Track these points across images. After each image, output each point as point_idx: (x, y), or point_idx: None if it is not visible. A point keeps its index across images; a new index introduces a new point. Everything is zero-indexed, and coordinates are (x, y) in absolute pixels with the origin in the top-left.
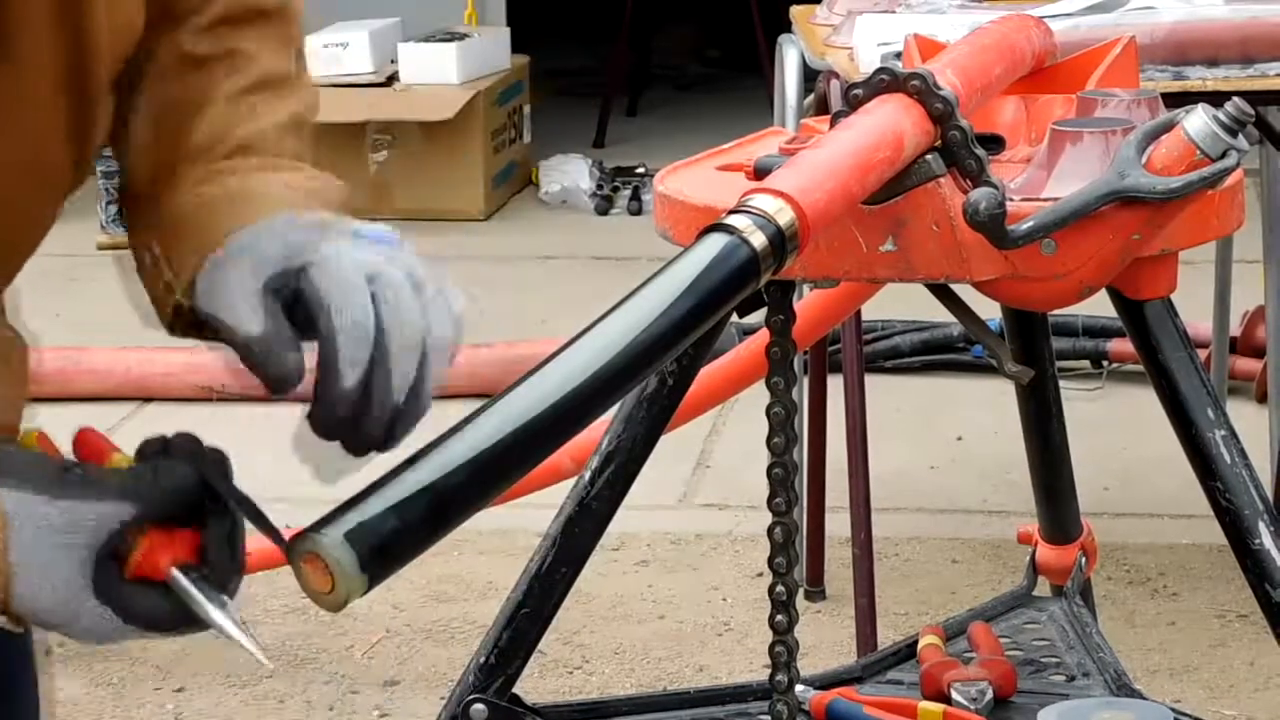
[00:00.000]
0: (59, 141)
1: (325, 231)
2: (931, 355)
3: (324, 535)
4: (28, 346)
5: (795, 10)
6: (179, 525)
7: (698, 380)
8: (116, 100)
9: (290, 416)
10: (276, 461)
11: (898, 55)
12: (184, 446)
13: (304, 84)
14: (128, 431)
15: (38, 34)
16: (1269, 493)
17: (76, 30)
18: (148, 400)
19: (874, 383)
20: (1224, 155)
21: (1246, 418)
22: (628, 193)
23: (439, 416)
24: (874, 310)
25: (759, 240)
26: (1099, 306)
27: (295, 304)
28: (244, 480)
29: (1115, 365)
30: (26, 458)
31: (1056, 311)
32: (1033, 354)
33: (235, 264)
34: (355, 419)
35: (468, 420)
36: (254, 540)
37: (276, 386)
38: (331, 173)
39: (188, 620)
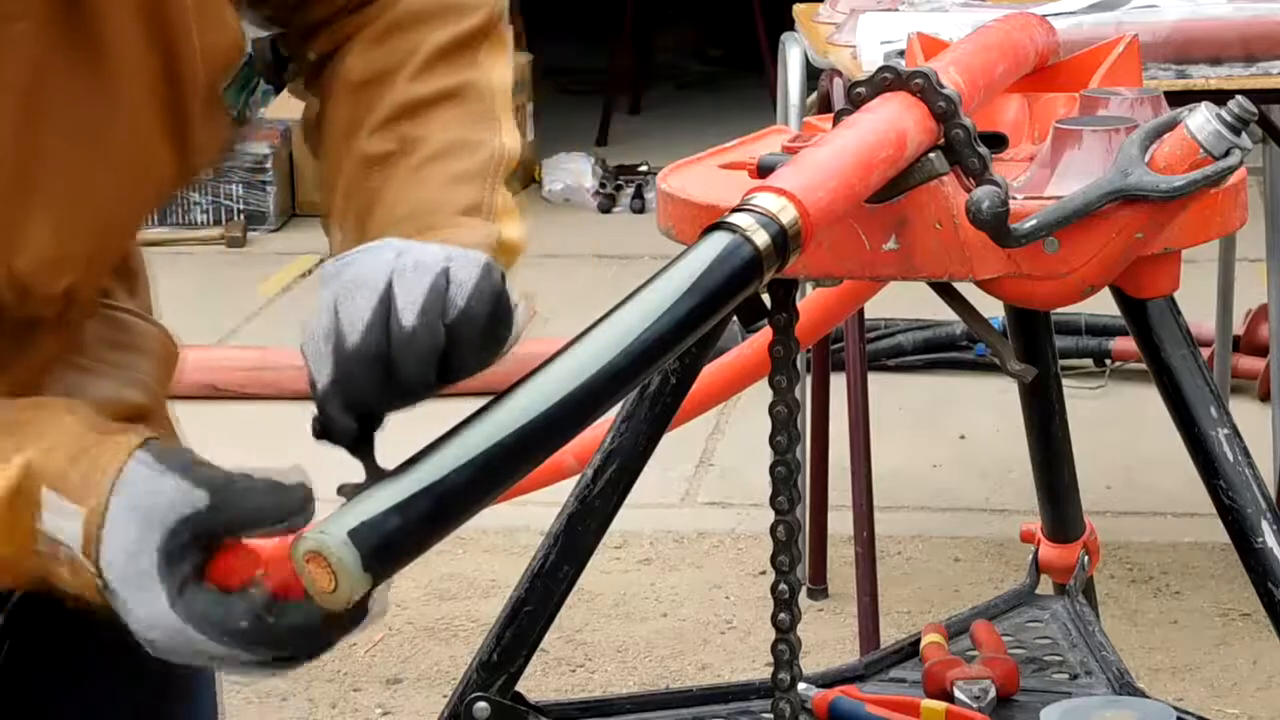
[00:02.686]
0: (158, 145)
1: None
2: (934, 354)
3: (327, 534)
4: (174, 343)
5: (798, 8)
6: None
7: (700, 378)
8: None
9: (291, 416)
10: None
11: (900, 53)
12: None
13: (496, 131)
14: None
15: (130, 52)
16: (1271, 491)
17: (167, 48)
18: None
19: (877, 381)
20: (1227, 154)
21: (1249, 416)
22: (630, 191)
23: (442, 414)
24: (877, 309)
25: (762, 239)
26: (1102, 305)
27: None
28: None
29: (1118, 364)
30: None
31: (1059, 310)
32: (1035, 352)
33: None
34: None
35: (471, 419)
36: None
37: (321, 431)
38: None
39: (255, 635)
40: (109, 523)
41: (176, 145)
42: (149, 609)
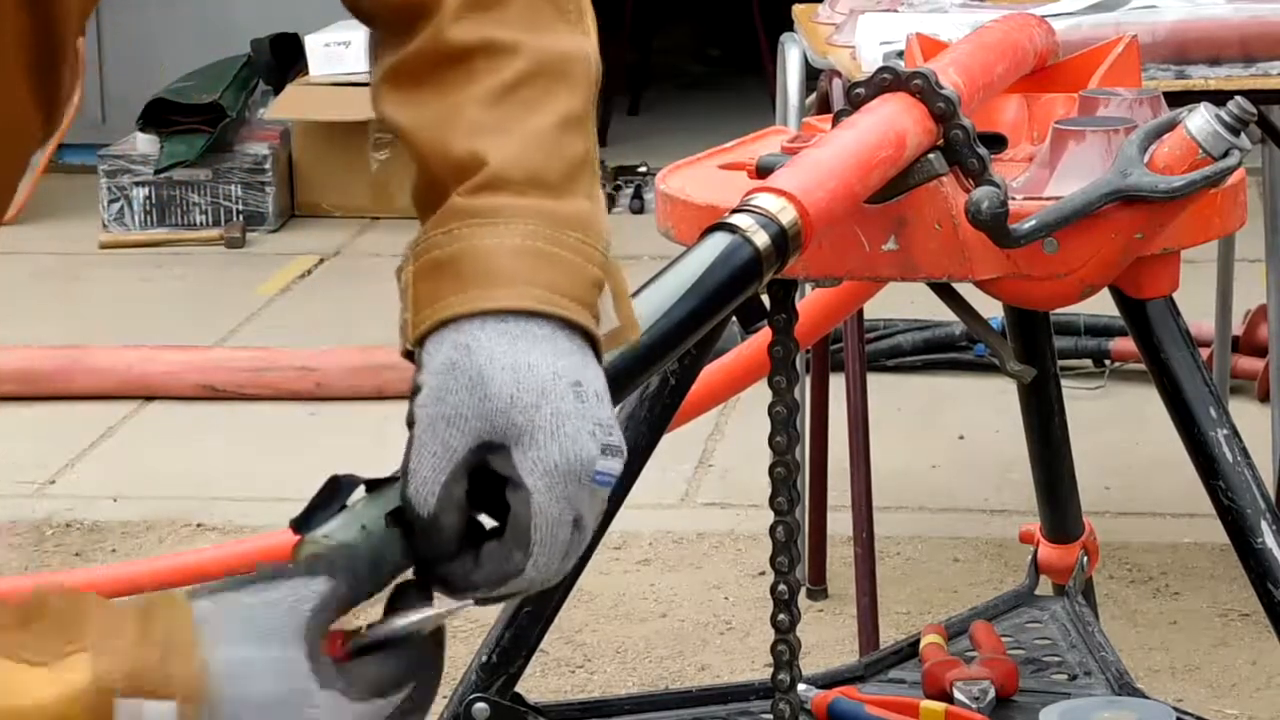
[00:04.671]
0: (27, 106)
1: (543, 387)
2: (933, 354)
3: (329, 539)
4: None
5: (797, 9)
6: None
7: (700, 379)
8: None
9: (291, 416)
10: (277, 461)
11: (900, 54)
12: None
13: (577, 59)
14: (129, 430)
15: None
16: (1271, 492)
17: (39, 4)
18: (149, 399)
19: (876, 381)
20: (1226, 154)
21: (1248, 417)
22: (630, 191)
23: None
24: (876, 309)
25: (762, 239)
26: (1101, 305)
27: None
28: (244, 480)
29: (1117, 364)
30: (214, 583)
31: (1058, 310)
32: (1035, 353)
33: (448, 397)
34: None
35: None
36: (258, 538)
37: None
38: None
39: (417, 667)
40: (215, 683)
41: (43, 106)
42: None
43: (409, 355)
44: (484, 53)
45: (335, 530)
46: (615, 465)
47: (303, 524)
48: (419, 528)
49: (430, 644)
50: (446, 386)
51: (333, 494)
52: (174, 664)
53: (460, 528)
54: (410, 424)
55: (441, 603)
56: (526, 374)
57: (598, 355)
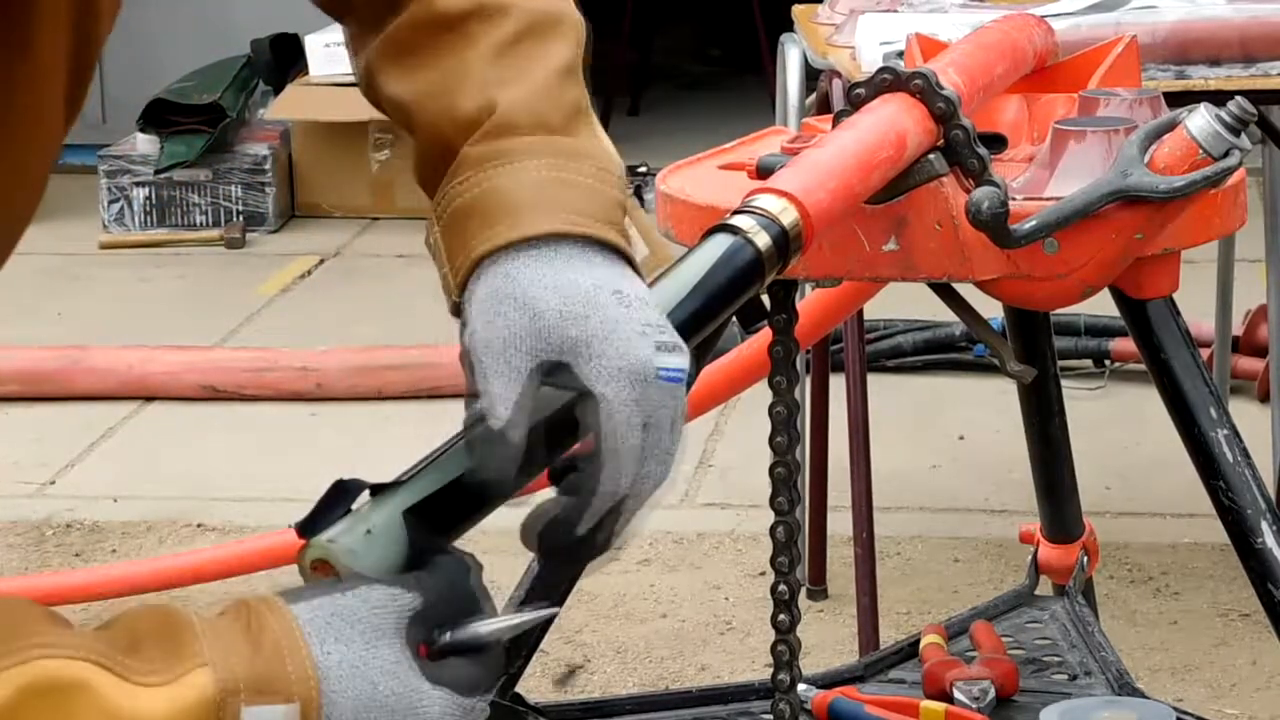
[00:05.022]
0: (59, 106)
1: (587, 298)
2: (933, 354)
3: (334, 543)
4: None
5: (797, 9)
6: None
7: (700, 379)
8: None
9: (291, 417)
10: (278, 461)
11: (900, 54)
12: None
13: (565, 15)
14: (129, 431)
15: (57, 37)
16: (1271, 492)
17: (86, 20)
18: (149, 399)
19: (876, 382)
20: (1226, 154)
21: (1249, 417)
22: (630, 191)
23: (449, 416)
24: (876, 309)
25: (763, 241)
26: (1101, 305)
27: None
28: (245, 480)
29: (1117, 364)
30: (306, 587)
31: (1058, 310)
32: (1035, 353)
33: (498, 319)
34: (565, 547)
35: None
36: (258, 538)
37: (478, 472)
38: (341, 171)
39: (499, 671)
40: (330, 683)
41: (70, 116)
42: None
43: (456, 310)
44: (477, 16)
45: (340, 534)
46: (677, 360)
47: (308, 528)
48: (498, 446)
49: (505, 650)
50: (496, 311)
51: (338, 498)
52: (290, 667)
53: (538, 444)
54: (463, 359)
55: (524, 611)
56: (570, 289)
57: (634, 270)
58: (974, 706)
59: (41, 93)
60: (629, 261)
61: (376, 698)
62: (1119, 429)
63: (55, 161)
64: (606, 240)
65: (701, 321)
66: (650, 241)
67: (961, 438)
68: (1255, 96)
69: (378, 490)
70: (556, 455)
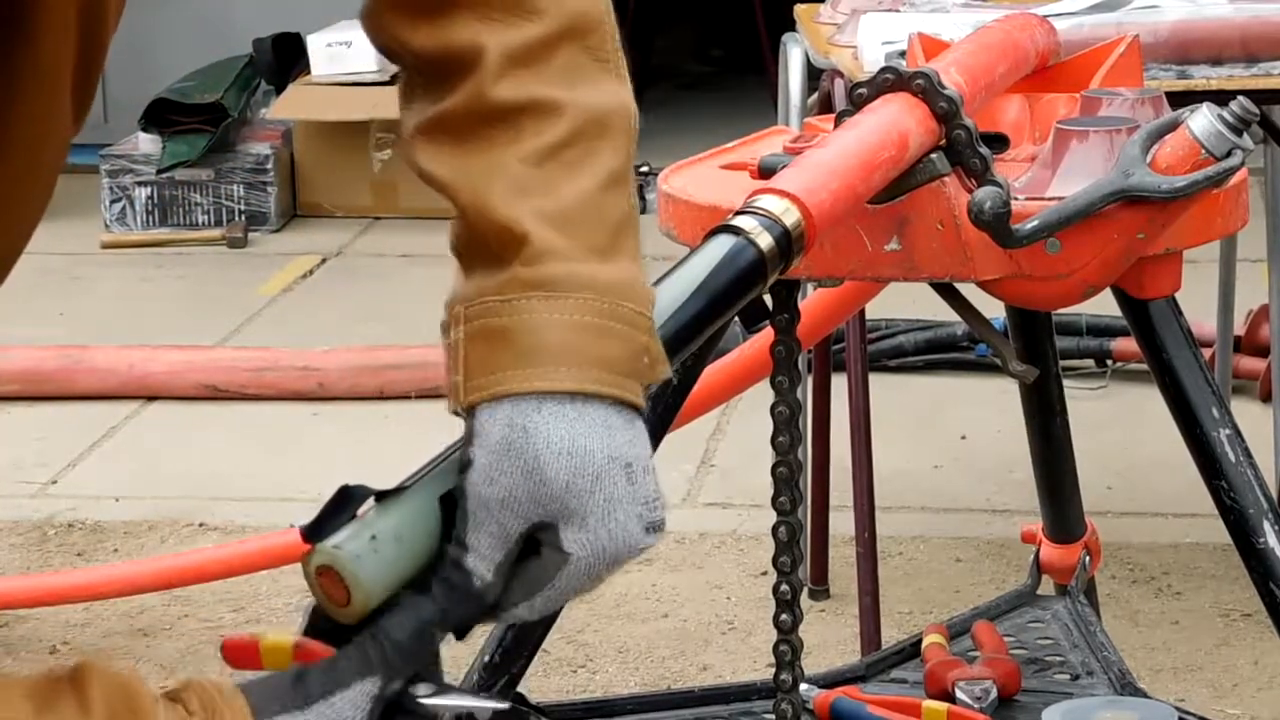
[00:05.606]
0: (67, 108)
1: (598, 472)
2: (935, 354)
3: (340, 549)
4: None
5: (799, 9)
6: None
7: (702, 379)
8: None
9: (292, 417)
10: (279, 461)
11: (902, 54)
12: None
13: (617, 114)
14: (131, 430)
15: (59, 39)
16: (1273, 492)
17: (91, 22)
18: (151, 399)
19: (878, 382)
20: (1229, 154)
21: (1250, 417)
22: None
23: (445, 417)
24: (878, 309)
25: (766, 241)
26: (1103, 305)
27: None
28: (246, 480)
29: (1119, 364)
30: (263, 683)
31: (1060, 310)
32: (1037, 353)
33: (501, 477)
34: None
35: None
36: (259, 538)
37: (447, 615)
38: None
39: None
40: None
41: (78, 117)
42: None
43: (454, 414)
44: (528, 112)
45: (345, 540)
46: (655, 539)
47: (313, 533)
48: (469, 592)
49: None
50: (501, 468)
51: (343, 503)
52: None
53: (502, 591)
54: (459, 495)
55: (476, 697)
56: (583, 459)
57: (645, 420)
58: (976, 706)
59: (49, 94)
60: (644, 416)
61: None
62: (1121, 429)
63: (64, 162)
64: (630, 402)
65: (704, 323)
66: (651, 351)
67: (963, 437)
68: (1257, 96)
69: (382, 496)
70: (513, 591)
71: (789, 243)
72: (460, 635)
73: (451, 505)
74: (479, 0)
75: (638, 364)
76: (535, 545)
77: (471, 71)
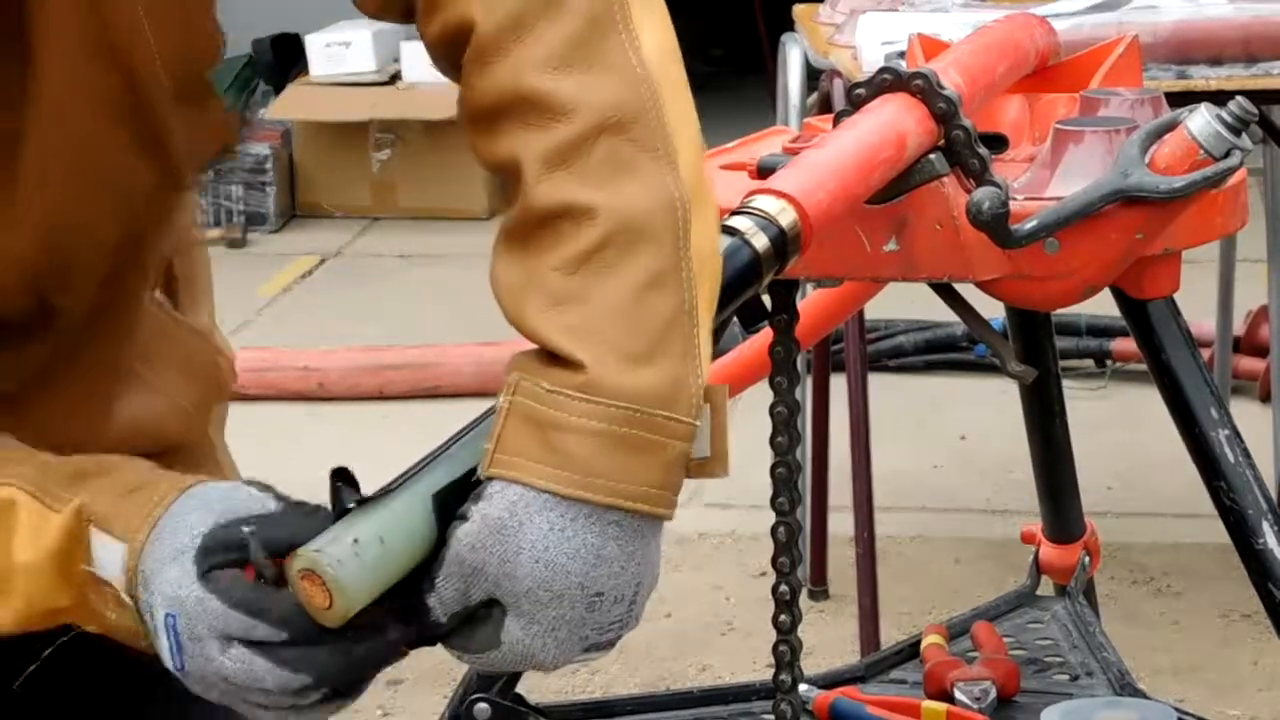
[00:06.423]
0: (126, 154)
1: (562, 594)
2: (934, 354)
3: (322, 552)
4: (225, 368)
5: (798, 9)
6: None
7: None
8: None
9: (292, 417)
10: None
11: (901, 54)
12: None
13: (659, 210)
14: None
15: (66, 65)
16: (1272, 492)
17: (116, 58)
18: None
19: (877, 382)
20: (1227, 154)
21: (1250, 417)
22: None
23: (450, 416)
24: (877, 309)
25: (761, 242)
26: (1102, 305)
27: None
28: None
29: (1118, 364)
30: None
31: (1060, 310)
32: (1036, 353)
33: (479, 550)
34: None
35: (466, 431)
36: None
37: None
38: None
39: (295, 630)
40: (159, 527)
41: (151, 152)
42: (175, 587)
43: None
44: (564, 217)
45: (326, 544)
46: (596, 656)
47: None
48: (425, 622)
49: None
50: (485, 544)
51: (336, 498)
52: (139, 525)
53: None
54: (445, 540)
55: None
56: (553, 575)
57: (657, 526)
58: (975, 707)
59: (84, 128)
60: (662, 520)
61: (166, 578)
62: (1120, 429)
63: (143, 202)
64: (646, 514)
65: None
66: (716, 444)
67: (963, 438)
68: (1257, 96)
69: (365, 501)
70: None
71: (785, 243)
72: (406, 652)
73: (446, 502)
74: (519, 109)
75: (665, 474)
76: (490, 612)
77: (519, 178)
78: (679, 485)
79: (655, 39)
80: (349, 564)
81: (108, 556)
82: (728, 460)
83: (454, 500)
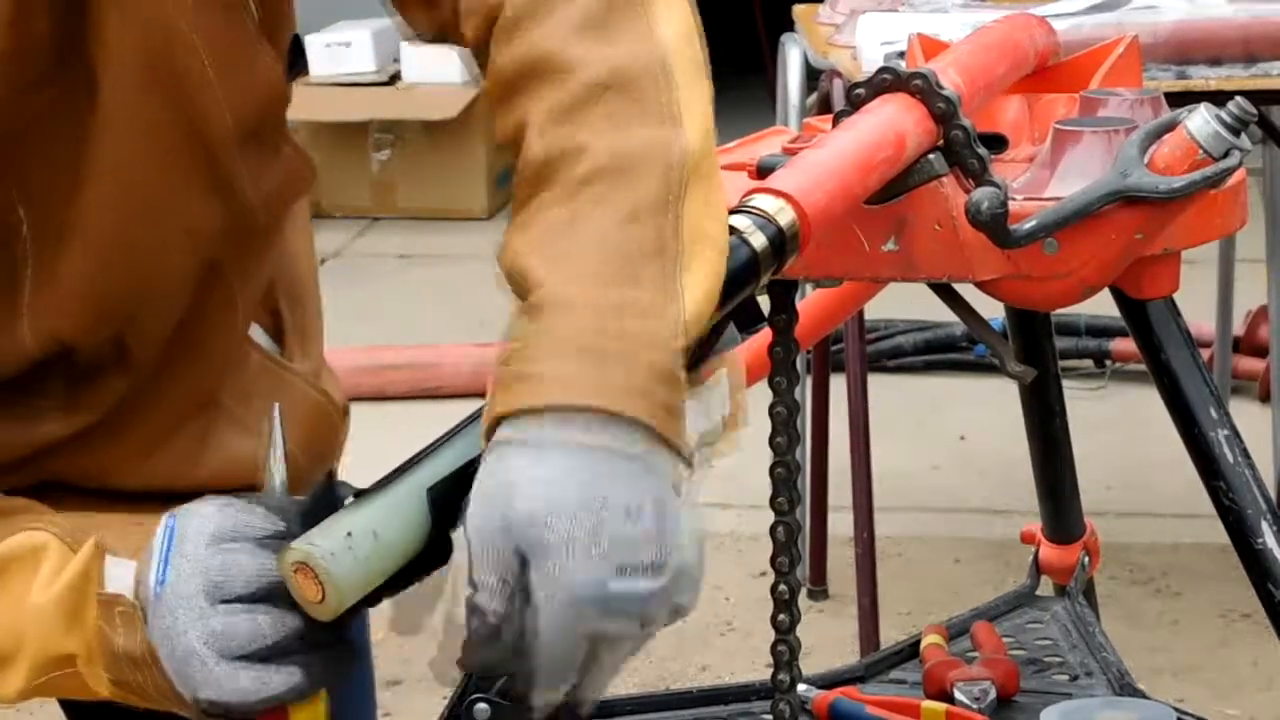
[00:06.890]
0: (193, 195)
1: (560, 507)
2: (934, 355)
3: (314, 546)
4: (335, 414)
5: (798, 9)
6: None
7: None
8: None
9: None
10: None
11: (900, 54)
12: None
13: (655, 152)
14: None
15: (131, 110)
16: (1272, 492)
17: (182, 102)
18: None
19: (877, 382)
20: (1227, 155)
21: (1249, 417)
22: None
23: (450, 416)
24: (877, 310)
25: (759, 241)
26: (1102, 306)
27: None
28: None
29: (1118, 364)
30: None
31: (1059, 311)
32: (1035, 353)
33: (480, 508)
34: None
35: (461, 426)
36: None
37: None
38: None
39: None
40: (160, 540)
41: (217, 192)
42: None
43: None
44: (561, 159)
45: (319, 536)
46: (639, 585)
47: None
48: (498, 644)
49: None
50: (484, 511)
51: (324, 501)
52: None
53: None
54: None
55: None
56: (553, 492)
57: (671, 446)
58: (975, 707)
59: (142, 162)
60: (660, 437)
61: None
62: (1120, 429)
63: (208, 242)
64: (628, 416)
65: None
66: (734, 399)
67: (962, 438)
68: (1256, 96)
69: (361, 494)
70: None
71: (783, 242)
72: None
73: (441, 496)
74: (534, 73)
75: (647, 381)
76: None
77: (525, 141)
78: (663, 399)
79: (675, 25)
80: (342, 557)
81: (119, 572)
82: (744, 415)
83: (449, 494)
